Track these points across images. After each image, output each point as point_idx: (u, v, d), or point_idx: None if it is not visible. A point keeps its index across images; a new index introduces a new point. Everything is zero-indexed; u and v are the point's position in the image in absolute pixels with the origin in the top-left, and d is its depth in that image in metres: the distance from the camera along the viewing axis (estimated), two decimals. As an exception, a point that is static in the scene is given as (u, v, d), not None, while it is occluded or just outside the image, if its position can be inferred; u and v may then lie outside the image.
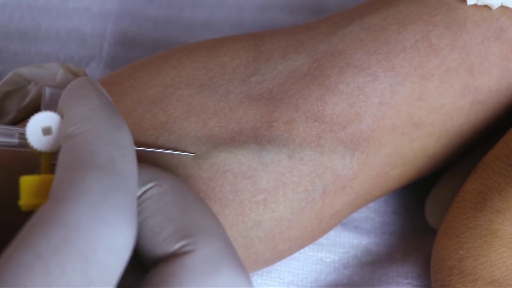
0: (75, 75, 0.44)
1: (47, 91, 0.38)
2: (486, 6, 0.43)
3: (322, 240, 0.49)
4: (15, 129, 0.37)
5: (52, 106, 0.38)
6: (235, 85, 0.42)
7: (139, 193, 0.35)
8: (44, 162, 0.36)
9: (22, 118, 0.43)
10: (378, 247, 0.49)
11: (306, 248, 0.49)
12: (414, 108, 0.43)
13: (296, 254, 0.48)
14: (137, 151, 0.38)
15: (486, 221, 0.41)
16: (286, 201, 0.41)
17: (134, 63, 0.44)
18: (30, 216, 0.31)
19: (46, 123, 0.36)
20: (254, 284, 0.48)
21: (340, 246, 0.49)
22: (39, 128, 0.36)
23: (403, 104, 0.42)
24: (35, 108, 0.43)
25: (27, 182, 0.34)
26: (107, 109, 0.34)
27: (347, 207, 0.44)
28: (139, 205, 0.34)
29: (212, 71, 0.42)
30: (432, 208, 0.48)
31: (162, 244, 0.34)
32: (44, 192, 0.34)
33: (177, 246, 0.33)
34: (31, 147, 0.36)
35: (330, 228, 0.44)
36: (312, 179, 0.41)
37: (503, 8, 0.43)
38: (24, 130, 0.36)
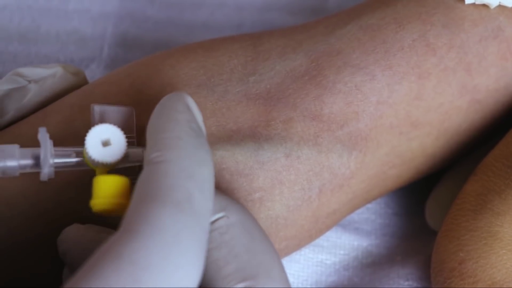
0: (75, 75, 0.44)
1: (96, 109, 0.39)
2: (484, 5, 0.43)
3: (323, 242, 0.49)
4: (71, 149, 0.37)
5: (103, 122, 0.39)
6: (233, 84, 0.42)
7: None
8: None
9: (20, 117, 0.43)
10: (378, 248, 0.49)
11: (307, 250, 0.49)
12: (412, 107, 0.42)
13: (297, 256, 0.48)
14: None
15: (486, 223, 0.41)
16: (282, 199, 0.41)
17: (132, 63, 0.44)
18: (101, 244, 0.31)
19: (104, 136, 0.37)
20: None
21: (340, 248, 0.49)
22: (98, 140, 0.37)
23: (401, 103, 0.42)
24: (33, 107, 0.43)
25: (101, 181, 0.35)
26: (194, 137, 0.34)
27: (344, 206, 0.43)
28: None
29: (210, 71, 0.42)
30: (432, 209, 0.48)
31: (224, 280, 0.34)
32: (118, 193, 0.35)
33: (238, 286, 0.33)
34: (88, 159, 0.37)
35: (327, 227, 0.44)
36: (309, 178, 0.41)
37: (501, 7, 0.43)
38: (80, 149, 0.37)
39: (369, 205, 0.50)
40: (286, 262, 0.48)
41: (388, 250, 0.49)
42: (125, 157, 0.38)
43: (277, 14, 0.57)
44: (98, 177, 0.36)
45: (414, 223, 0.50)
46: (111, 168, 0.37)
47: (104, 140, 0.37)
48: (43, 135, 0.37)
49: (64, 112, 0.41)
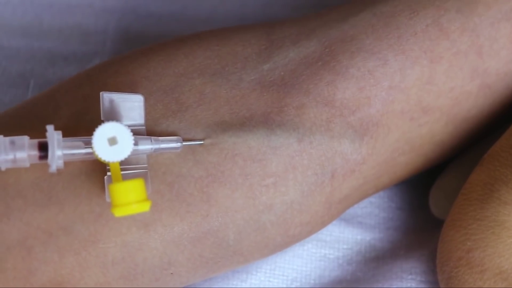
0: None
1: (106, 97, 0.39)
2: (499, -12, 0.43)
3: (326, 236, 0.49)
4: (80, 139, 0.38)
5: (112, 113, 0.39)
6: (247, 72, 0.42)
7: None
8: (113, 171, 0.37)
9: None
10: (382, 243, 0.49)
11: (309, 245, 0.49)
12: (423, 92, 0.43)
13: (300, 251, 0.48)
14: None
15: (493, 213, 0.41)
16: (296, 184, 0.41)
17: (144, 50, 0.44)
18: None
19: (111, 134, 0.37)
20: (257, 281, 0.48)
21: (343, 242, 0.49)
22: (105, 139, 0.37)
23: (412, 88, 0.43)
24: None
25: (117, 190, 0.36)
26: None
27: (355, 192, 0.44)
28: None
29: (224, 59, 0.42)
30: (436, 198, 0.48)
31: None
32: (134, 197, 0.36)
33: None
34: (97, 157, 0.37)
35: (338, 213, 0.44)
36: (322, 163, 0.41)
37: (515, -11, 0.43)
38: (89, 139, 0.37)
39: (372, 199, 0.51)
40: (289, 256, 0.48)
41: (391, 244, 0.49)
42: (134, 151, 0.38)
43: (280, 9, 0.57)
44: (113, 185, 0.36)
45: (417, 217, 0.50)
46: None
47: (111, 138, 0.37)
48: (50, 134, 0.37)
49: (77, 105, 0.41)
